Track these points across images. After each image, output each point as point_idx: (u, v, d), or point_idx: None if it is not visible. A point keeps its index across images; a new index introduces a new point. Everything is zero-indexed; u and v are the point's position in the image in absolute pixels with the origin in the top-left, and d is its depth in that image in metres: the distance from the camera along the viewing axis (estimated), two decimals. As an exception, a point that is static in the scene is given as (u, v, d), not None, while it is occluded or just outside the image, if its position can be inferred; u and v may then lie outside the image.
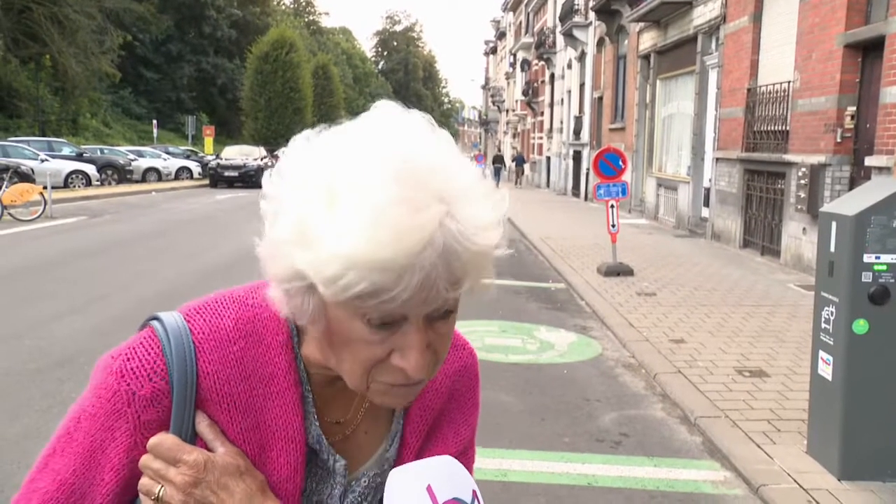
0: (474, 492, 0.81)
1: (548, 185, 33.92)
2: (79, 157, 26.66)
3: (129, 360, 0.83)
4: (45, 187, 16.02)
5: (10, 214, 14.54)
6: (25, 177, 18.98)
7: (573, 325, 7.39)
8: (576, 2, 25.95)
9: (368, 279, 0.69)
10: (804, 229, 9.82)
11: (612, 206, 9.69)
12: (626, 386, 5.49)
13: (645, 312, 7.49)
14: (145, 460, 0.82)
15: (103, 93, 42.46)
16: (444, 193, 0.72)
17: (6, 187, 15.18)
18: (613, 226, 9.69)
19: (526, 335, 6.89)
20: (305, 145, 0.78)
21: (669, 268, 10.34)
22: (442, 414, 0.96)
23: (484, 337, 6.71)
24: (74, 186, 24.21)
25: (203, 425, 0.83)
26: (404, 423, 0.95)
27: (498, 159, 40.46)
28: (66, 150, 27.36)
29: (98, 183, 25.52)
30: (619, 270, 9.64)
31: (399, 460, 0.93)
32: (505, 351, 6.29)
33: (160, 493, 0.81)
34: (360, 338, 0.76)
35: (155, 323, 0.86)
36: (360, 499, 0.93)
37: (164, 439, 0.81)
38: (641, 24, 17.93)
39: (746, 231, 12.09)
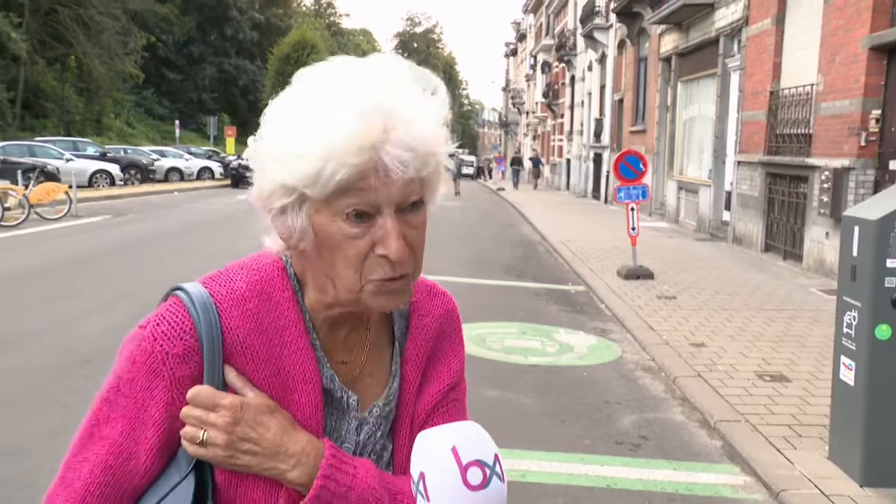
0: (496, 455, 0.86)
1: (568, 187, 33.84)
2: (103, 157, 27.01)
3: (158, 324, 0.92)
4: (70, 186, 16.24)
5: (36, 213, 14.76)
6: (51, 176, 19.27)
7: (593, 327, 7.39)
8: (597, 4, 25.88)
9: (344, 166, 0.84)
10: (827, 233, 9.74)
11: (633, 209, 9.66)
12: (646, 389, 5.49)
13: (665, 316, 7.48)
14: (186, 410, 0.90)
15: (126, 93, 42.97)
16: (387, 115, 0.86)
17: (33, 187, 15.42)
18: (633, 229, 9.66)
19: (545, 337, 6.90)
20: (272, 104, 0.93)
21: (690, 271, 10.30)
22: (434, 352, 1.07)
23: (503, 339, 6.73)
24: (99, 186, 24.51)
25: (232, 375, 0.92)
26: (403, 363, 1.05)
27: (516, 161, 41.17)
28: (91, 150, 27.72)
29: (122, 182, 25.82)
30: (639, 274, 9.61)
31: (404, 393, 1.04)
32: (524, 353, 6.31)
33: (204, 437, 0.90)
34: (343, 236, 0.88)
35: (178, 292, 0.95)
36: (373, 429, 1.02)
37: (201, 389, 0.90)
38: (663, 27, 17.85)
39: (768, 235, 12.00)
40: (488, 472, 0.83)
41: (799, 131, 10.88)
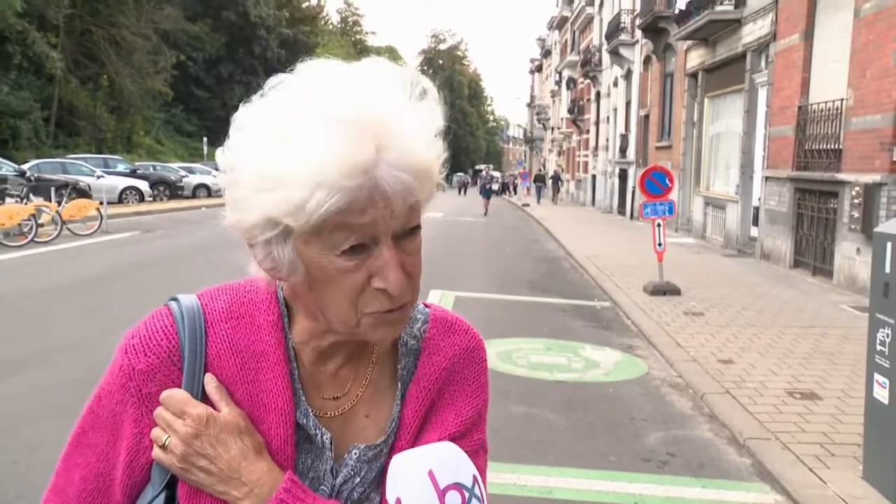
0: (475, 477, 0.82)
1: (593, 203, 33.73)
2: (132, 174, 27.41)
3: (133, 337, 0.91)
4: (101, 203, 16.50)
5: (68, 229, 14.98)
6: (83, 193, 19.57)
7: (619, 343, 7.33)
8: (622, 20, 25.90)
9: (336, 193, 0.75)
10: (858, 249, 9.60)
11: (659, 225, 9.61)
12: (673, 405, 5.43)
13: (692, 332, 7.40)
14: (158, 411, 0.87)
15: (156, 111, 43.64)
16: (380, 129, 0.78)
17: (65, 203, 15.68)
18: (660, 245, 9.61)
19: (571, 353, 6.86)
20: (248, 109, 0.85)
21: (717, 287, 10.20)
22: (442, 394, 0.96)
23: (529, 355, 6.70)
24: (128, 202, 24.87)
25: (211, 386, 0.89)
26: (403, 404, 0.95)
27: (539, 178, 42.71)
28: (121, 167, 28.19)
29: (150, 199, 26.18)
30: (665, 290, 9.54)
31: (398, 440, 0.94)
32: (550, 369, 6.27)
33: (166, 442, 0.86)
34: (337, 270, 0.81)
35: (171, 301, 0.94)
36: (352, 473, 0.93)
37: (174, 393, 0.87)
38: (689, 42, 17.80)
39: (797, 251, 11.86)
40: (467, 494, 0.80)
41: (828, 146, 10.77)
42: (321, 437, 0.92)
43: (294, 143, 0.77)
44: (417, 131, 0.81)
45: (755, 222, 14.00)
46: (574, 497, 3.87)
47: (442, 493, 0.79)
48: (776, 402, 5.23)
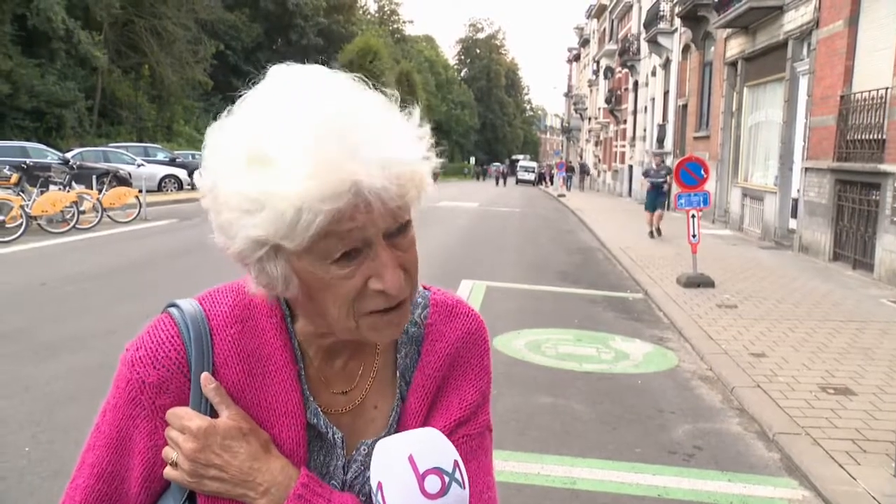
0: (455, 462, 0.83)
1: (630, 193, 33.37)
2: (171, 162, 27.81)
3: (138, 349, 0.89)
4: (140, 191, 16.80)
5: (108, 216, 15.28)
6: (123, 181, 19.93)
7: (650, 335, 7.27)
8: (661, 8, 25.51)
9: (323, 210, 0.75)
10: (900, 243, 9.37)
11: (693, 216, 9.48)
12: (702, 399, 5.38)
13: (725, 325, 7.30)
14: (167, 430, 0.88)
15: (196, 100, 44.20)
16: (359, 141, 0.76)
17: (106, 191, 16.02)
18: (694, 236, 9.48)
19: (601, 344, 6.82)
20: (219, 131, 0.83)
21: (753, 280, 10.03)
22: (446, 380, 0.97)
23: (558, 345, 6.68)
24: (167, 190, 25.26)
25: (209, 388, 0.87)
26: (408, 394, 0.96)
27: (569, 168, 45.00)
28: (161, 156, 28.63)
29: (189, 187, 26.47)
30: (699, 282, 9.41)
31: (404, 428, 0.94)
32: (579, 360, 6.25)
33: (176, 458, 0.87)
34: (333, 278, 0.81)
35: (171, 308, 0.92)
36: (362, 468, 0.94)
37: (174, 410, 0.87)
38: (729, 31, 17.46)
39: (837, 244, 11.60)
40: (447, 479, 0.81)
41: (871, 136, 10.50)
42: (332, 434, 0.93)
43: (273, 164, 0.76)
44: (398, 135, 0.80)
45: (794, 214, 13.74)
46: (597, 488, 3.86)
47: (422, 478, 0.80)
48: (808, 396, 5.14)
